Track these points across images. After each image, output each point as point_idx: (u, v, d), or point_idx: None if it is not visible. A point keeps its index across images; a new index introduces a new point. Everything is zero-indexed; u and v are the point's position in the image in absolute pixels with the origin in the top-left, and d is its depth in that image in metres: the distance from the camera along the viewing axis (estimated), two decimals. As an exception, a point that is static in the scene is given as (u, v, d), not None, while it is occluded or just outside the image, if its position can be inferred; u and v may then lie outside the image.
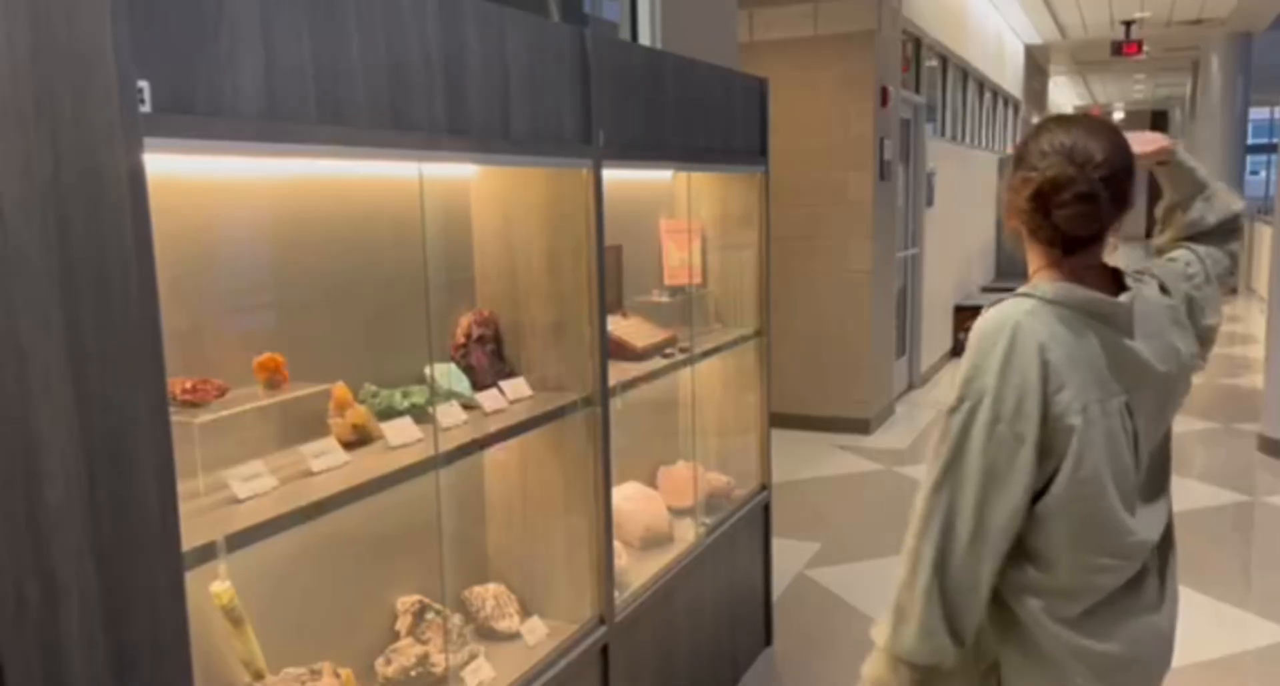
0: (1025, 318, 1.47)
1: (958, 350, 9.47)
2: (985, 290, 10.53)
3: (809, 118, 6.29)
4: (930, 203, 8.08)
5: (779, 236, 3.58)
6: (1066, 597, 1.51)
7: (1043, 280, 1.53)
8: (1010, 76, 12.20)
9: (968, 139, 9.98)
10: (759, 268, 3.45)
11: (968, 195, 9.97)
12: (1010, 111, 12.71)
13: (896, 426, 6.81)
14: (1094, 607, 1.51)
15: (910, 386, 7.91)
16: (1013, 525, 1.46)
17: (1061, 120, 1.52)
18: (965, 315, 9.41)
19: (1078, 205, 1.43)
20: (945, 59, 8.73)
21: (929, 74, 8.15)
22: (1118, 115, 24.42)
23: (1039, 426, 1.43)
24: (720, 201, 3.43)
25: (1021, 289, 1.54)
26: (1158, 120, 25.59)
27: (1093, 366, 1.46)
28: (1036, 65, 14.72)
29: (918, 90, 7.70)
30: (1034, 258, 1.57)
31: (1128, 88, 20.93)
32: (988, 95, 11.02)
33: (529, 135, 2.13)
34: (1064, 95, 20.68)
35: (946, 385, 8.20)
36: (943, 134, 8.72)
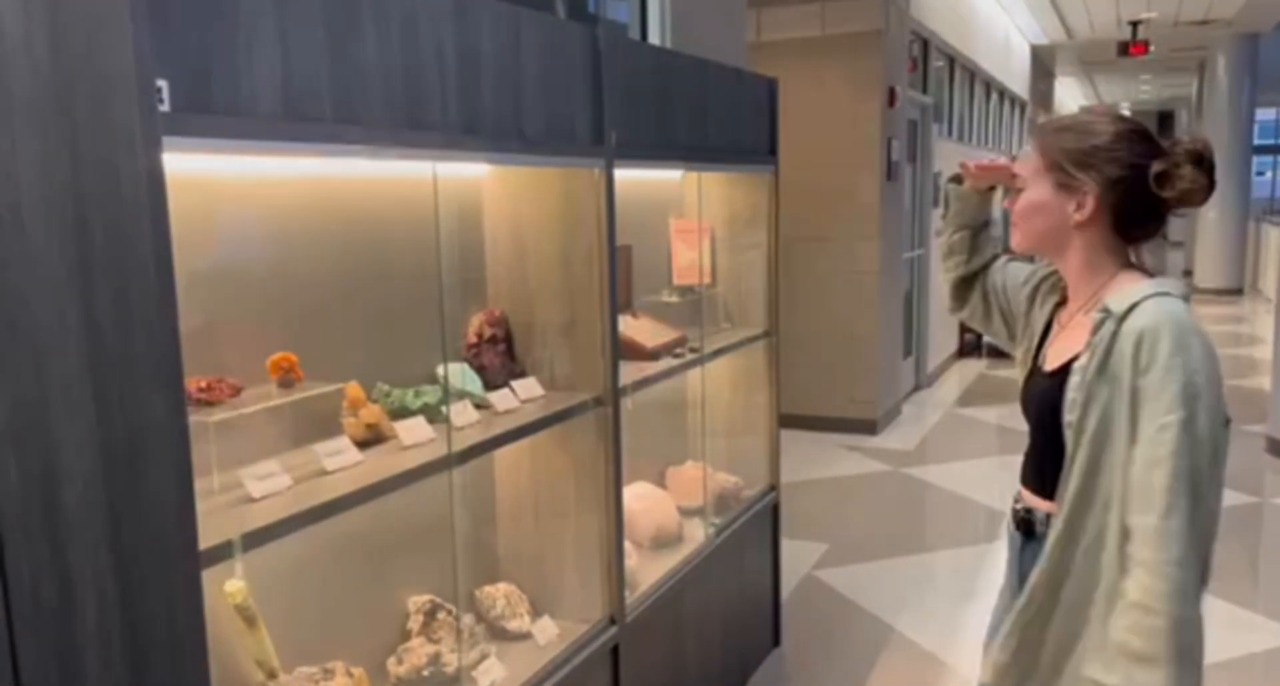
0: (1185, 314, 1.44)
1: (964, 351, 9.46)
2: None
3: (816, 118, 6.28)
4: (937, 203, 8.08)
5: (785, 237, 3.58)
6: None
7: (1161, 280, 1.50)
8: (1017, 77, 12.19)
9: (974, 139, 9.97)
10: (768, 268, 3.45)
11: (974, 196, 9.95)
12: (1017, 112, 12.69)
13: (903, 427, 6.81)
14: None
15: (917, 387, 7.90)
16: None
17: (1094, 115, 1.53)
18: (972, 316, 9.39)
19: (1205, 175, 1.45)
20: (952, 59, 8.72)
21: (936, 74, 8.14)
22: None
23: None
24: (730, 201, 3.43)
25: (1155, 288, 1.48)
26: (1164, 121, 25.54)
27: None
28: (1043, 66, 14.70)
29: (925, 91, 7.70)
30: (1094, 256, 1.54)
31: (1134, 88, 20.90)
32: (994, 96, 11.01)
33: (542, 135, 2.13)
34: (1070, 96, 20.65)
35: (953, 385, 8.20)
36: (950, 134, 8.72)
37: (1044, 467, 1.60)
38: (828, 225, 6.44)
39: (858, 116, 6.31)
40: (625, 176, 2.42)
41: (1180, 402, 1.39)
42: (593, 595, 2.47)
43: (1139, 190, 1.48)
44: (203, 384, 1.61)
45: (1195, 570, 1.40)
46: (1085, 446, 1.49)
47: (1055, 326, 1.68)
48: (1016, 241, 1.62)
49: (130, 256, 1.25)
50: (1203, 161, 1.46)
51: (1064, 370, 1.55)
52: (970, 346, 9.56)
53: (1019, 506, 1.73)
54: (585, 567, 2.48)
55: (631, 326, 2.88)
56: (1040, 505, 1.65)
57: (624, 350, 2.65)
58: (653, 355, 2.87)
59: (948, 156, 8.41)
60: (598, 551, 2.46)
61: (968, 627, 3.75)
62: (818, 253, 6.46)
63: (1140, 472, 1.42)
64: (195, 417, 1.50)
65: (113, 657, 1.35)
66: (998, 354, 9.53)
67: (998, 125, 11.33)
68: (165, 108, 1.26)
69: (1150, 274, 1.55)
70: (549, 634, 2.36)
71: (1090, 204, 1.50)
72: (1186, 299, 1.48)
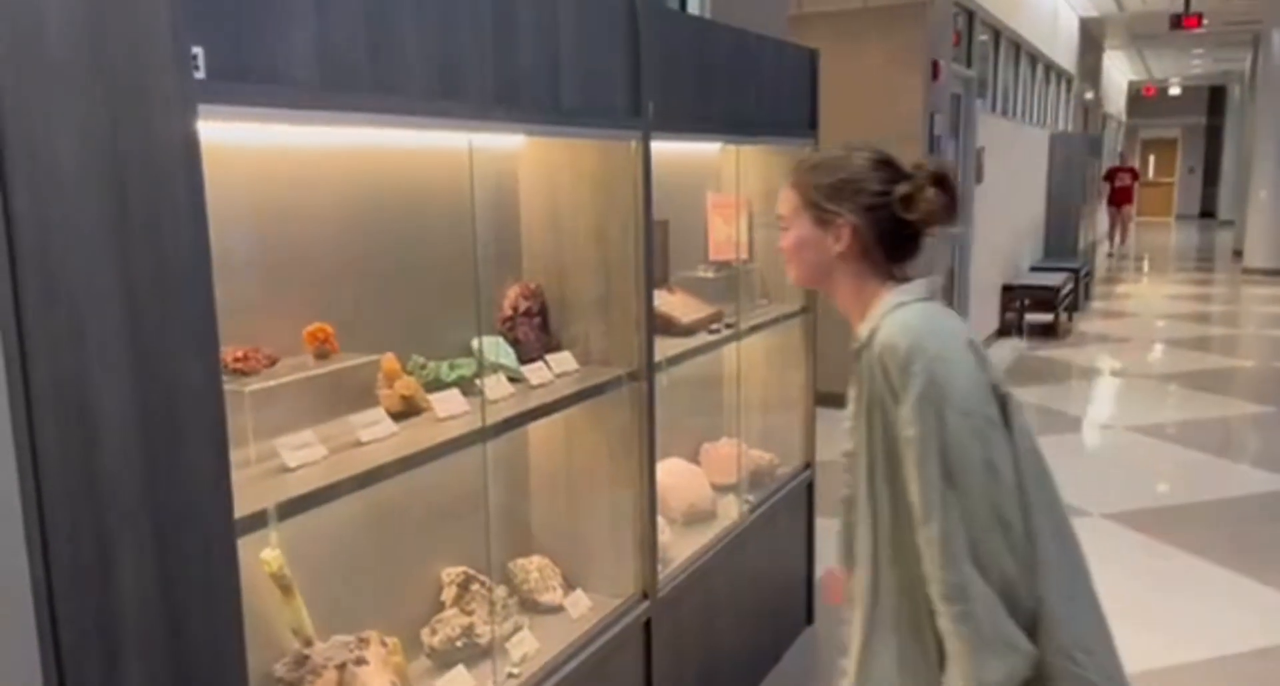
0: (921, 316, 1.50)
1: (1005, 329, 9.33)
2: (1034, 269, 10.35)
3: (857, 92, 6.18)
4: (979, 180, 7.94)
5: (826, 212, 3.53)
6: None
7: (901, 289, 1.56)
8: (1063, 51, 11.93)
9: (1019, 114, 9.78)
10: (806, 243, 3.40)
11: (1018, 172, 9.79)
12: (1063, 87, 12.44)
13: (941, 406, 6.74)
14: None
15: (955, 366, 7.81)
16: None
17: (843, 149, 1.60)
18: (1013, 295, 9.27)
19: (946, 195, 1.52)
20: (998, 32, 8.54)
21: (981, 47, 7.98)
22: (1174, 91, 23.81)
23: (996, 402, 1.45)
24: (768, 176, 3.38)
25: (893, 301, 1.54)
26: (1216, 96, 24.92)
27: None
28: (1091, 39, 14.37)
29: (969, 64, 7.55)
30: (860, 280, 1.60)
31: (1185, 63, 20.38)
32: (1040, 69, 10.79)
33: (579, 106, 2.10)
34: (1119, 69, 20.19)
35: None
36: (994, 109, 8.56)
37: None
38: (867, 201, 6.35)
39: (900, 90, 6.20)
40: (661, 149, 2.40)
41: (916, 415, 1.42)
42: (625, 570, 2.47)
43: (888, 215, 1.53)
44: (238, 354, 1.62)
45: (963, 566, 1.41)
46: (864, 479, 1.55)
47: None
48: (792, 277, 1.69)
49: (166, 223, 1.25)
50: (943, 183, 1.52)
51: None
52: (1010, 326, 9.43)
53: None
54: (618, 542, 2.48)
55: (667, 301, 2.86)
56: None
57: (659, 325, 2.63)
58: (688, 331, 2.85)
59: (991, 131, 8.27)
60: (630, 526, 2.46)
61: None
62: (857, 229, 6.38)
63: (910, 487, 1.46)
64: (231, 387, 1.50)
65: (150, 622, 1.37)
66: (1038, 334, 9.40)
67: (1043, 100, 11.11)
68: (201, 75, 1.26)
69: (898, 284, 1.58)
70: (581, 607, 2.36)
71: (846, 234, 1.55)
72: (931, 297, 1.54)
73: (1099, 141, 14.26)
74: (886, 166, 1.56)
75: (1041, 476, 1.51)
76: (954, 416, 1.41)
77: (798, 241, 1.61)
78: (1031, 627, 1.44)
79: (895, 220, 1.53)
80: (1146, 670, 3.20)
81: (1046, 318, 9.44)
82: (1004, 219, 9.19)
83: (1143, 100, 23.92)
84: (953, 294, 7.66)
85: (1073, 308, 10.24)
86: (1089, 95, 14.73)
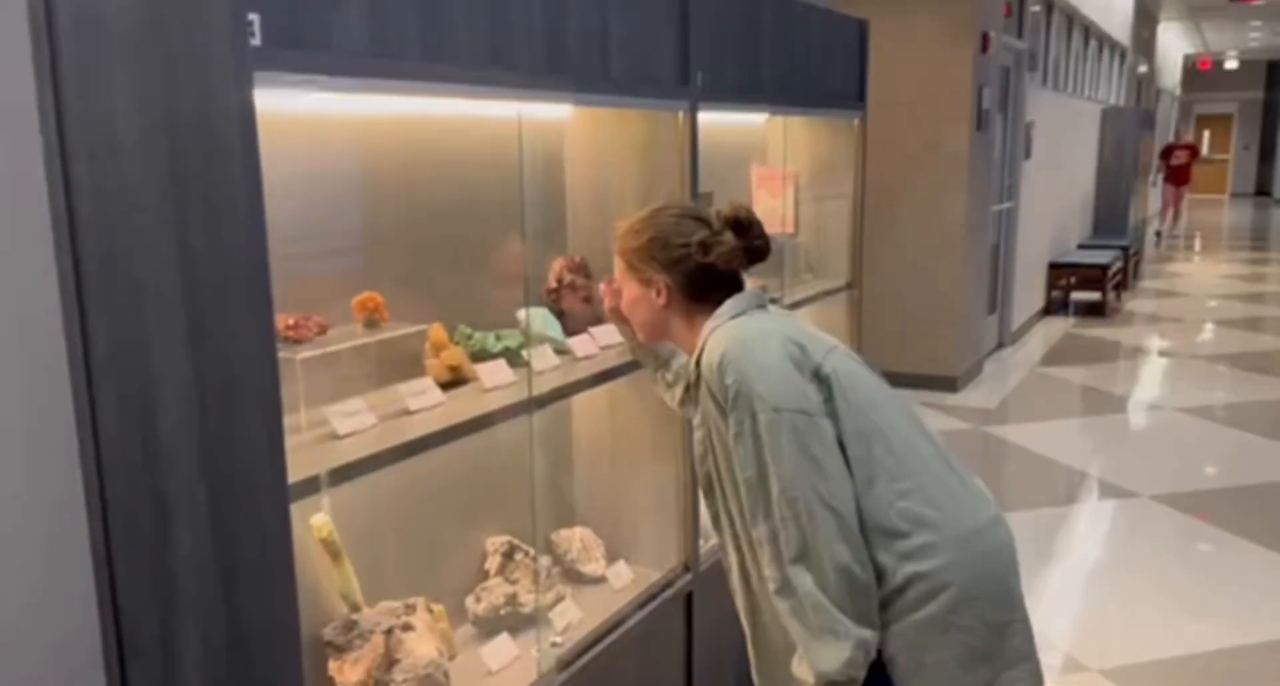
0: (734, 328, 1.57)
1: (1051, 309, 9.20)
2: (1082, 247, 10.17)
3: (904, 64, 6.08)
4: (1028, 155, 7.79)
5: (869, 187, 3.48)
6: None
7: (718, 311, 1.63)
8: (1118, 23, 11.63)
9: (1070, 88, 9.57)
10: (853, 218, 3.36)
11: (1068, 147, 9.59)
12: (1117, 60, 12.14)
13: (984, 385, 6.66)
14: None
15: (1000, 344, 7.71)
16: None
17: (650, 211, 1.70)
18: (1060, 273, 9.12)
19: (745, 237, 1.62)
20: (1050, 3, 8.34)
21: (1032, 19, 7.80)
22: (1231, 65, 23.16)
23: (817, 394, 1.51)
24: (814, 148, 3.34)
25: (711, 325, 1.62)
26: (1274, 71, 24.21)
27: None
28: (1146, 11, 14.00)
29: (1020, 36, 7.39)
30: (691, 321, 1.67)
31: (1243, 36, 19.79)
32: (1093, 42, 10.53)
33: (627, 75, 2.09)
34: (1174, 42, 19.67)
35: (1038, 344, 7.99)
36: (1045, 83, 8.38)
37: None
38: (913, 175, 6.26)
39: (948, 62, 6.08)
40: (707, 121, 2.37)
41: (734, 420, 1.50)
42: (667, 542, 2.47)
43: (693, 264, 1.63)
44: (290, 322, 1.63)
45: (787, 566, 1.48)
46: (719, 499, 1.65)
47: None
48: (638, 335, 1.81)
49: (222, 191, 1.26)
50: (739, 225, 1.63)
51: None
52: (1057, 304, 9.29)
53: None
54: (660, 515, 2.48)
55: (712, 275, 2.84)
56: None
57: (704, 298, 2.61)
58: (733, 304, 2.83)
59: (1042, 106, 8.10)
60: (673, 499, 2.46)
61: (1043, 588, 3.68)
62: (902, 204, 6.30)
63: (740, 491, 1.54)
64: (283, 354, 1.52)
65: (206, 583, 1.39)
66: (1085, 312, 9.25)
67: (1095, 73, 10.86)
68: (256, 42, 1.26)
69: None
70: (624, 579, 2.37)
71: (663, 288, 1.66)
72: (749, 308, 1.62)
73: (1152, 116, 13.93)
74: (691, 219, 1.66)
75: (886, 405, 1.57)
76: (765, 416, 1.47)
77: (630, 303, 1.72)
78: (886, 598, 1.49)
79: (700, 266, 1.63)
80: (1194, 653, 3.16)
81: (1094, 296, 9.28)
82: (1052, 195, 9.03)
83: (1198, 74, 23.31)
84: (997, 271, 7.55)
85: (1122, 286, 10.05)
86: (1142, 69, 14.38)
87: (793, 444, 1.46)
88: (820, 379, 1.52)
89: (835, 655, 1.45)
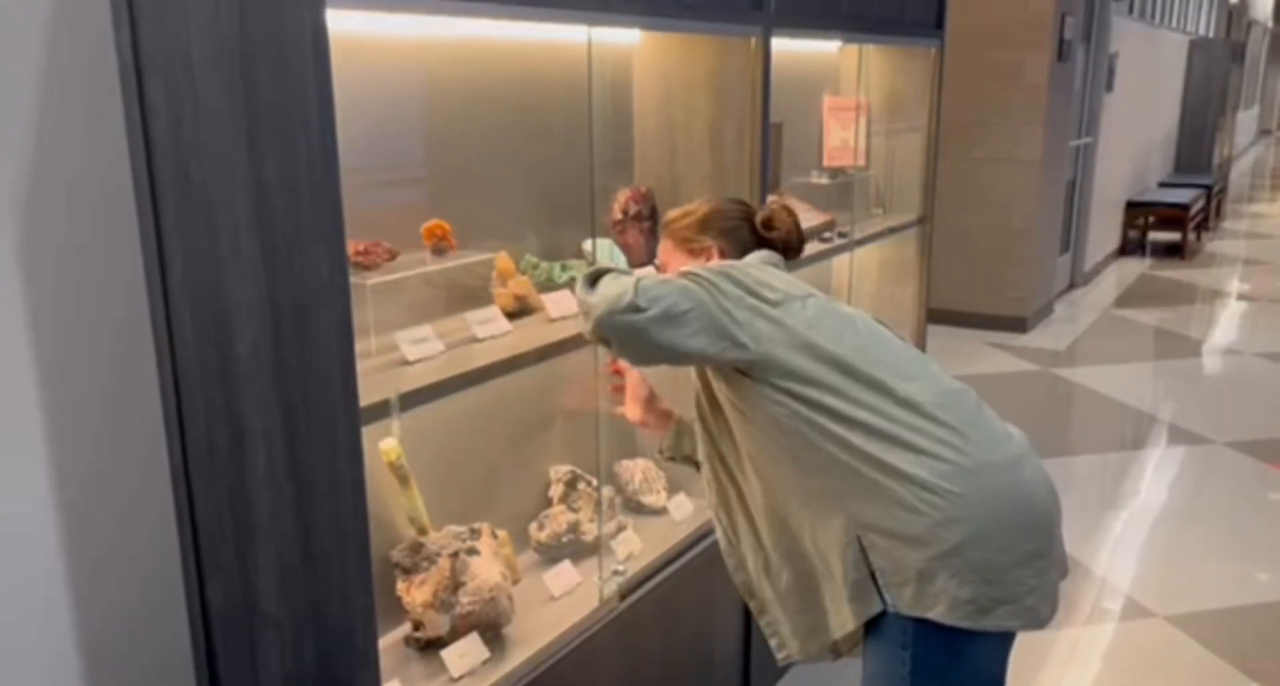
0: None
1: (1127, 249, 8.92)
2: (1162, 185, 9.80)
3: (983, -9, 5.84)
4: (1110, 88, 7.48)
5: (944, 119, 3.37)
6: None
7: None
8: (1212, -52, 11.02)
9: (1158, 18, 9.12)
10: (926, 151, 3.27)
11: (1153, 81, 9.19)
12: (1208, -12, 11.53)
13: (1054, 326, 6.51)
14: None
15: (1072, 285, 7.52)
16: None
17: (696, 204, 1.80)
18: (1138, 212, 8.81)
19: (792, 218, 1.78)
20: (1141, -73, 7.92)
21: (1121, -57, 7.42)
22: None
23: None
24: (888, 78, 3.24)
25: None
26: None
27: None
28: (1244, -65, 13.22)
29: (1107, -38, 7.04)
30: None
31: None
32: (1185, -31, 10.01)
33: (699, -1, 2.02)
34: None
35: (1111, 285, 7.77)
36: (1131, 12, 7.99)
37: None
38: (990, 108, 6.05)
39: (1030, -11, 5.83)
40: (779, 48, 2.30)
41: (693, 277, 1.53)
42: (729, 476, 2.47)
43: (747, 233, 1.76)
44: (360, 247, 1.64)
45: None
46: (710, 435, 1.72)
47: None
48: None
49: (295, 113, 1.25)
50: (789, 209, 1.78)
51: None
52: (1133, 245, 9.00)
53: None
54: (722, 449, 2.47)
55: (779, 208, 2.79)
56: None
57: (771, 232, 2.57)
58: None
59: (1127, 37, 7.74)
60: (736, 433, 2.45)
61: (1106, 531, 3.63)
62: (977, 137, 6.10)
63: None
64: (353, 280, 1.52)
65: (281, 504, 1.42)
66: (1163, 253, 8.95)
67: (1184, 2, 10.33)
68: (327, -40, 1.23)
69: None
70: (684, 510, 2.39)
71: (714, 251, 1.74)
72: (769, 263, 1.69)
73: (1242, 48, 13.25)
74: (738, 202, 1.80)
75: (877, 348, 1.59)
76: (721, 277, 1.51)
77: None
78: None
79: (755, 236, 1.75)
80: (1261, 603, 3.10)
81: (1173, 237, 8.97)
82: (1133, 131, 8.68)
83: (1295, 4, 22.05)
84: (1072, 209, 7.32)
85: (1203, 227, 9.69)
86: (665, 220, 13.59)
87: (725, 281, 1.51)
88: (798, 300, 1.58)
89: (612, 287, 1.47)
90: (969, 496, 1.46)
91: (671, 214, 1.82)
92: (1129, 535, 3.63)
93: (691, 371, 1.71)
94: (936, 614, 1.46)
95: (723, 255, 1.74)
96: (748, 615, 2.51)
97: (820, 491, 1.52)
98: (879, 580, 1.50)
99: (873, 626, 1.54)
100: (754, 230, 1.76)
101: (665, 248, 1.81)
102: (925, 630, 1.49)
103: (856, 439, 1.47)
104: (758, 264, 1.64)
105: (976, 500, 1.46)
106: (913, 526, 1.45)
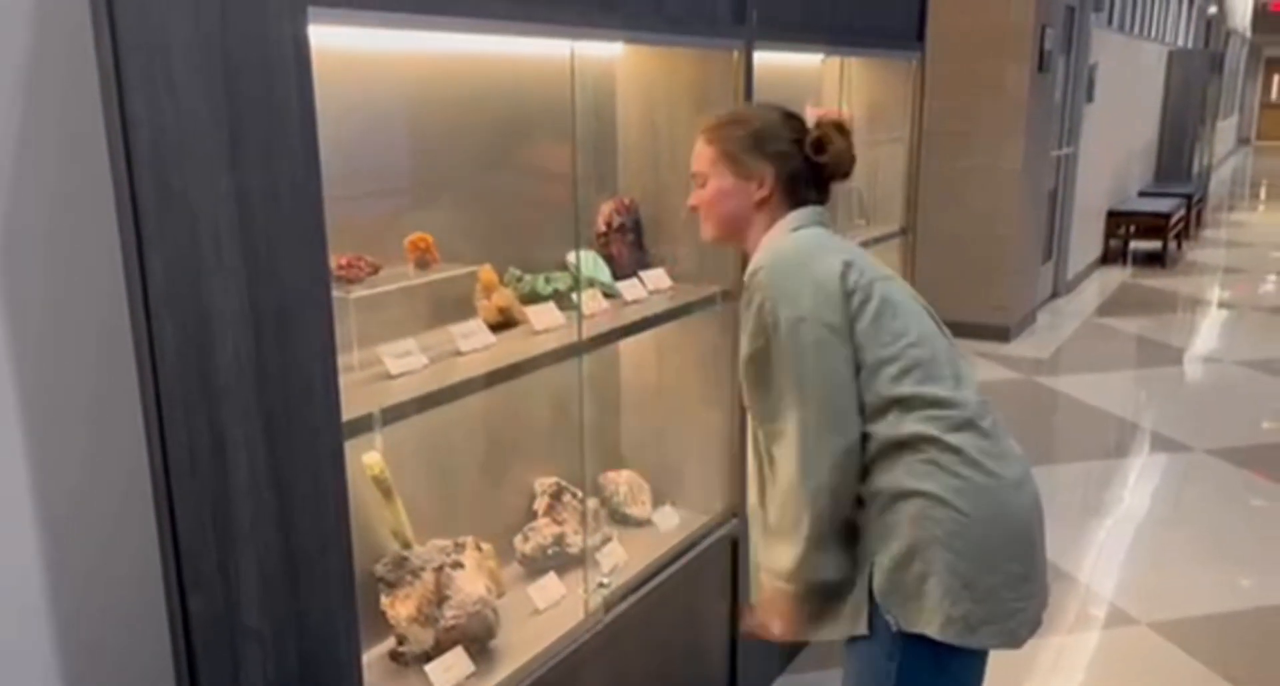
0: (785, 245, 1.59)
1: (1108, 257, 8.98)
2: (1143, 194, 9.88)
3: (965, 3, 5.89)
4: (1091, 98, 7.55)
5: (925, 129, 3.39)
6: None
7: (782, 222, 1.64)
8: (1190, -40, 11.16)
9: (1137, 29, 9.22)
10: (909, 162, 3.28)
11: (1132, 91, 9.28)
12: (1186, 0, 11.66)
13: (1037, 334, 6.55)
14: None
15: (1055, 294, 7.57)
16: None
17: (752, 107, 1.77)
18: (1119, 220, 8.88)
19: (846, 139, 1.66)
20: (1119, -61, 8.01)
21: (1100, -44, 7.50)
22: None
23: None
24: (870, 90, 3.25)
25: (773, 235, 1.64)
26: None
27: None
28: (1220, -53, 13.39)
29: (1086, -26, 7.11)
30: (772, 224, 1.65)
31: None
32: (1163, -19, 10.13)
33: (681, 12, 2.04)
34: (1248, -18, 18.81)
35: (1094, 293, 7.82)
36: (1110, 23, 8.08)
37: None
38: (971, 119, 6.10)
39: (1009, 2, 5.88)
40: (762, 60, 2.31)
41: (757, 321, 1.53)
42: (713, 487, 2.48)
43: (800, 161, 1.64)
44: (343, 260, 1.64)
45: (811, 464, 1.50)
46: (749, 395, 1.62)
47: None
48: (707, 233, 1.72)
49: (276, 124, 1.26)
50: (842, 129, 1.66)
51: None
52: (1115, 253, 9.06)
53: None
54: (707, 460, 2.48)
55: (763, 219, 2.80)
56: None
57: (755, 243, 2.58)
58: (784, 249, 2.79)
59: (1106, 48, 7.82)
60: (720, 444, 2.46)
61: (1089, 539, 3.65)
62: (959, 147, 6.14)
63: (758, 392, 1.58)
64: (335, 293, 1.52)
65: (262, 515, 1.42)
66: (1145, 262, 9.02)
67: (1162, 14, 10.44)
68: (308, -26, 1.24)
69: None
70: (670, 522, 2.39)
71: (769, 180, 1.63)
72: (811, 224, 1.63)
73: (1221, 58, 13.40)
74: (795, 118, 1.68)
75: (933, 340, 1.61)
76: (792, 323, 1.49)
77: (718, 193, 1.67)
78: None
79: (807, 165, 1.64)
80: (1244, 609, 3.12)
81: (1154, 245, 9.04)
82: (1114, 141, 8.76)
83: (1269, 16, 22.31)
84: (1054, 218, 7.37)
85: (1183, 235, 9.78)
86: (1212, 10, 13.80)
87: (814, 352, 1.49)
88: (861, 300, 1.53)
89: (788, 553, 1.52)
90: (972, 515, 1.49)
91: (719, 117, 1.69)
92: (1112, 542, 3.65)
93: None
94: (930, 630, 1.50)
95: (771, 193, 1.63)
96: (734, 626, 2.51)
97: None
98: (875, 598, 1.54)
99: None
100: (805, 156, 1.64)
101: (707, 157, 1.67)
102: (913, 644, 1.51)
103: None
104: (812, 285, 1.52)
105: (977, 519, 1.50)
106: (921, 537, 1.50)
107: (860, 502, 1.55)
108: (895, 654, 1.54)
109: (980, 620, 1.49)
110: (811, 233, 1.63)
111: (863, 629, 1.55)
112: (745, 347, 1.57)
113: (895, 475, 1.51)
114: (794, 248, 1.59)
